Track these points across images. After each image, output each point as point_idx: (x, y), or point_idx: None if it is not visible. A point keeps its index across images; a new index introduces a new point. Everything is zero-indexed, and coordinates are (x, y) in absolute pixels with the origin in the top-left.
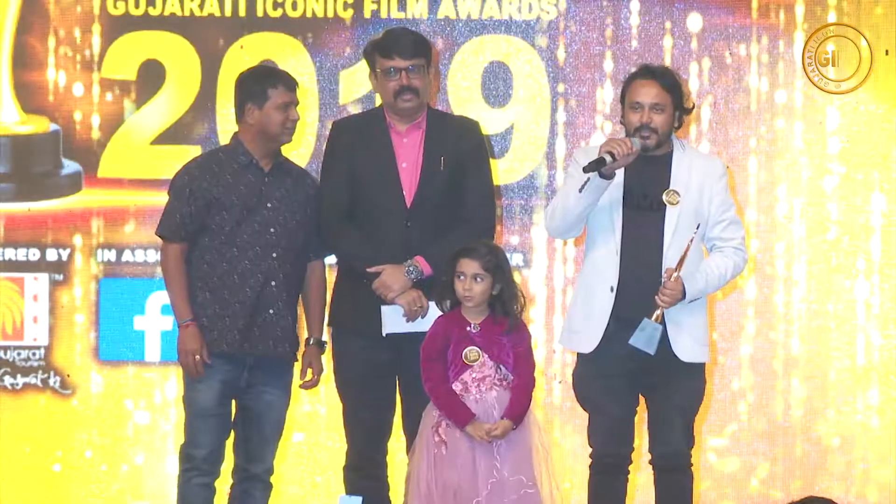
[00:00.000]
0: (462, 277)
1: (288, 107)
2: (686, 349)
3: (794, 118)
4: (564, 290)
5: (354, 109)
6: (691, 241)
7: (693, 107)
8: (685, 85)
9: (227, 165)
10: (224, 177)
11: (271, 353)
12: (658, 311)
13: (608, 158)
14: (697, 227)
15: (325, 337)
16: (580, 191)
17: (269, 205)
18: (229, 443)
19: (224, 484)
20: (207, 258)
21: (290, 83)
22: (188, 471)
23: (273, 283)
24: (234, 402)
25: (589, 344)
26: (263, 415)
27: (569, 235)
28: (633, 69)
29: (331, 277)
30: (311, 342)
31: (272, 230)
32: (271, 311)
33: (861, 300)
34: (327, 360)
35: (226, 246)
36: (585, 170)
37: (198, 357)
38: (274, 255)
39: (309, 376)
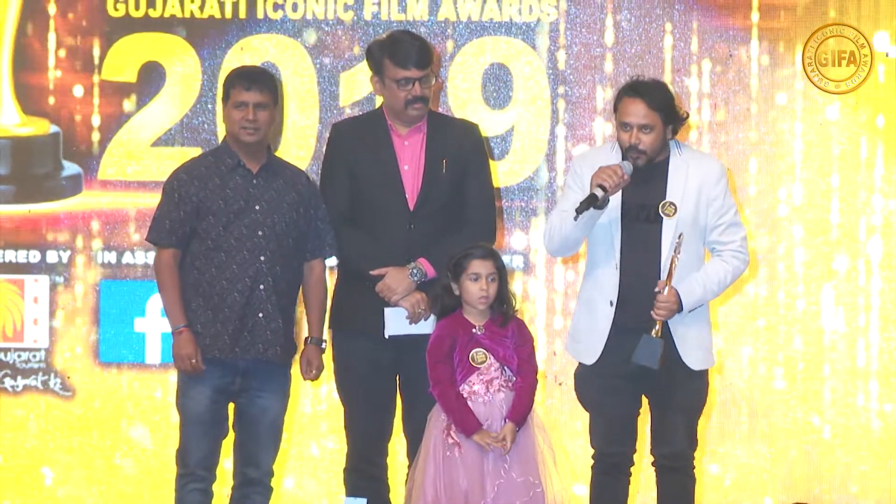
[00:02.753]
0: (477, 278)
1: (244, 106)
2: (696, 359)
3: (794, 119)
4: (566, 292)
5: (355, 111)
6: (676, 251)
7: (687, 116)
8: (677, 98)
9: (216, 168)
10: (212, 180)
11: (261, 356)
12: (657, 326)
13: (599, 193)
14: (680, 237)
15: (325, 336)
16: (575, 219)
17: (256, 207)
18: (229, 445)
19: (223, 486)
20: (197, 264)
21: (247, 82)
22: (183, 476)
23: (261, 286)
24: (232, 405)
25: (591, 356)
26: (258, 419)
27: (567, 254)
28: (633, 72)
29: (331, 280)
30: (310, 341)
31: (260, 233)
32: (261, 315)
33: (861, 301)
34: (328, 360)
35: (214, 251)
36: (578, 211)
37: (193, 361)
38: (262, 258)
39: (309, 375)
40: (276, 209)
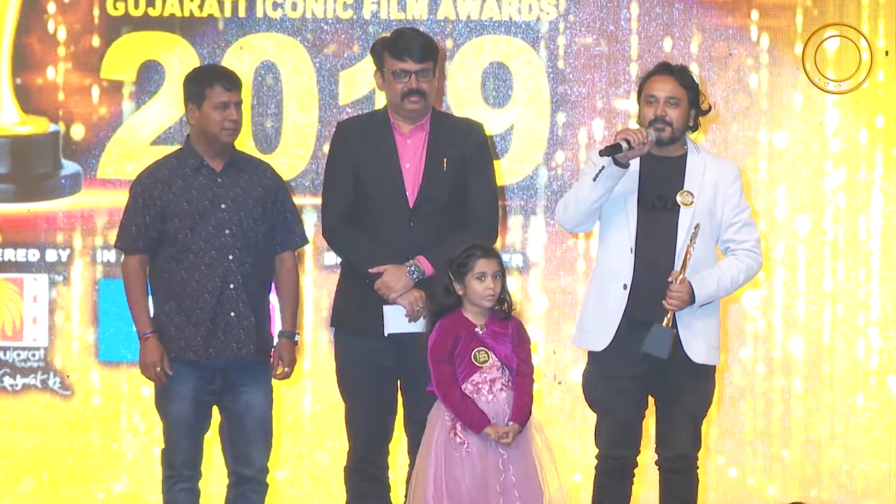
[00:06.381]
0: (483, 277)
1: (226, 106)
2: (699, 352)
3: (794, 118)
4: (565, 291)
5: (354, 110)
6: (691, 241)
7: (710, 108)
8: (703, 86)
9: (179, 170)
10: (176, 182)
11: (236, 355)
12: (668, 316)
13: (624, 145)
14: (696, 227)
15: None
16: (594, 179)
17: (222, 206)
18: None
19: (210, 485)
20: (167, 267)
21: (228, 83)
22: (170, 477)
23: (231, 285)
24: (212, 402)
25: (601, 342)
26: (245, 415)
27: (580, 228)
28: (635, 70)
29: (333, 277)
30: (282, 335)
31: (227, 231)
32: (233, 314)
33: (861, 301)
34: (329, 358)
35: (182, 253)
36: (601, 153)
37: (158, 369)
38: (230, 256)
39: (280, 370)
40: (243, 206)
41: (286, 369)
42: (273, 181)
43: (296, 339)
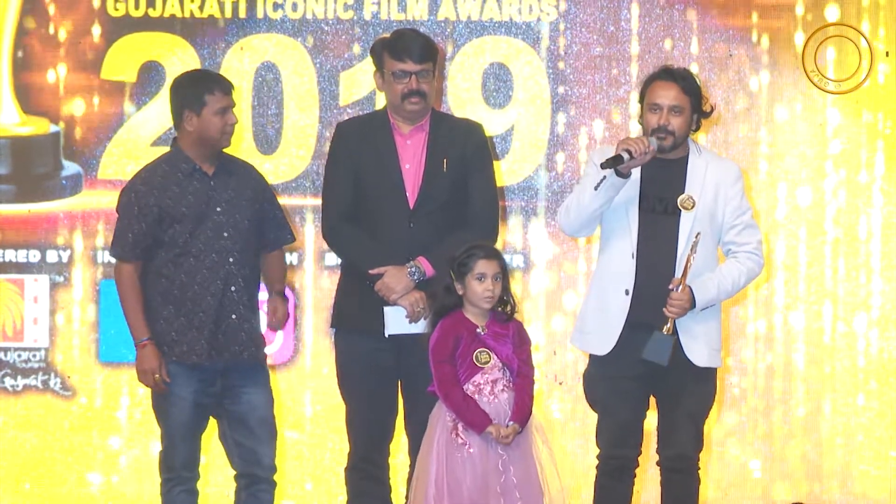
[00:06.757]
0: (482, 278)
1: (226, 111)
2: (700, 355)
3: (794, 119)
4: (565, 292)
5: (355, 111)
6: (692, 249)
7: (712, 110)
8: (704, 88)
9: (172, 175)
10: (171, 188)
11: (238, 357)
12: (668, 324)
13: (625, 156)
14: (698, 235)
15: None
16: (596, 188)
17: (218, 209)
18: (217, 446)
19: (207, 486)
20: (165, 272)
21: (225, 87)
22: (169, 480)
23: (233, 287)
24: (212, 406)
25: (604, 346)
26: (248, 415)
27: (582, 233)
28: (635, 70)
29: (334, 278)
30: (274, 293)
31: (226, 234)
32: (234, 317)
33: (861, 302)
34: (329, 358)
35: (182, 257)
36: (603, 166)
37: (157, 376)
38: (231, 259)
39: (272, 319)
40: (237, 208)
41: (281, 318)
42: (259, 181)
43: (286, 295)
